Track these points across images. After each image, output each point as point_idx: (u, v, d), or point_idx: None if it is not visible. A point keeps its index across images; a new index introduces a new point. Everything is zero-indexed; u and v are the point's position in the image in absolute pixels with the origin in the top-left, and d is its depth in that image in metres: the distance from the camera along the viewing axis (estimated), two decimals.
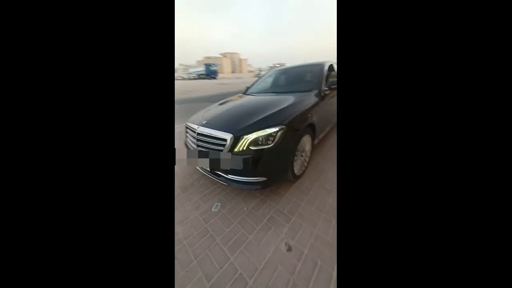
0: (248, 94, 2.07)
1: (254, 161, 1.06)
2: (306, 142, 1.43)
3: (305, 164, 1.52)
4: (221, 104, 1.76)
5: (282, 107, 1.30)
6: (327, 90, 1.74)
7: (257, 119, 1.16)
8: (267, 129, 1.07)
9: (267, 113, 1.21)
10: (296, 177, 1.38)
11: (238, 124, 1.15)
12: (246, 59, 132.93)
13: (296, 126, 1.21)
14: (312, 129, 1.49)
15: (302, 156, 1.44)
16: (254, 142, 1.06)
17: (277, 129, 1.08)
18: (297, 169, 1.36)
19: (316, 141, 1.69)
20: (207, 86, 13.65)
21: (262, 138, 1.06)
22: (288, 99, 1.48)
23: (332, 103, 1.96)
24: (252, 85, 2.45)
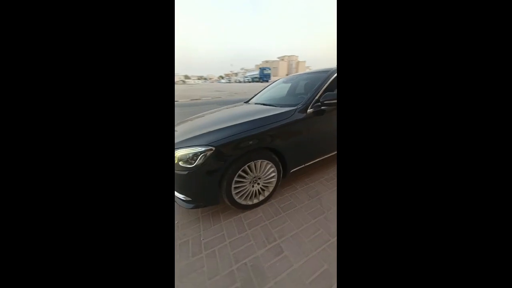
0: (249, 103, 1.97)
1: (178, 178, 1.02)
2: (262, 168, 1.18)
3: (265, 194, 1.26)
4: (210, 113, 1.80)
5: (233, 123, 1.15)
6: (324, 105, 1.33)
7: (198, 134, 1.10)
8: (193, 148, 0.99)
9: (211, 129, 1.12)
10: (242, 207, 1.17)
11: (181, 136, 1.14)
12: (304, 61, 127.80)
13: (231, 149, 1.02)
14: (277, 155, 1.20)
15: (257, 183, 1.21)
16: (183, 158, 1.01)
17: (202, 149, 0.97)
18: (243, 198, 1.16)
19: (294, 170, 1.35)
20: (254, 89, 14.51)
21: (188, 156, 0.99)
22: (258, 114, 1.28)
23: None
24: (259, 92, 2.33)
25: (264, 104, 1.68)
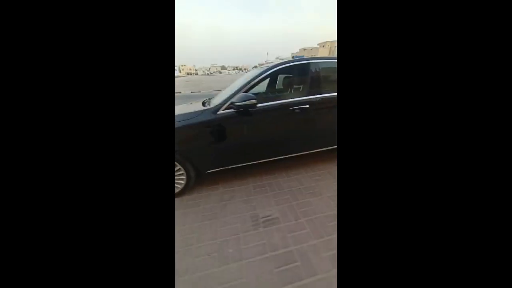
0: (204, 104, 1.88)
1: None
2: None
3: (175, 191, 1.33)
4: None
5: None
6: (237, 107, 1.21)
7: None
8: None
9: None
10: None
11: None
12: None
13: None
14: (181, 155, 1.22)
15: None
16: None
17: None
18: None
19: (212, 171, 1.34)
20: None
21: None
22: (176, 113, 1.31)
23: (263, 125, 1.33)
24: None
25: (203, 103, 1.64)
